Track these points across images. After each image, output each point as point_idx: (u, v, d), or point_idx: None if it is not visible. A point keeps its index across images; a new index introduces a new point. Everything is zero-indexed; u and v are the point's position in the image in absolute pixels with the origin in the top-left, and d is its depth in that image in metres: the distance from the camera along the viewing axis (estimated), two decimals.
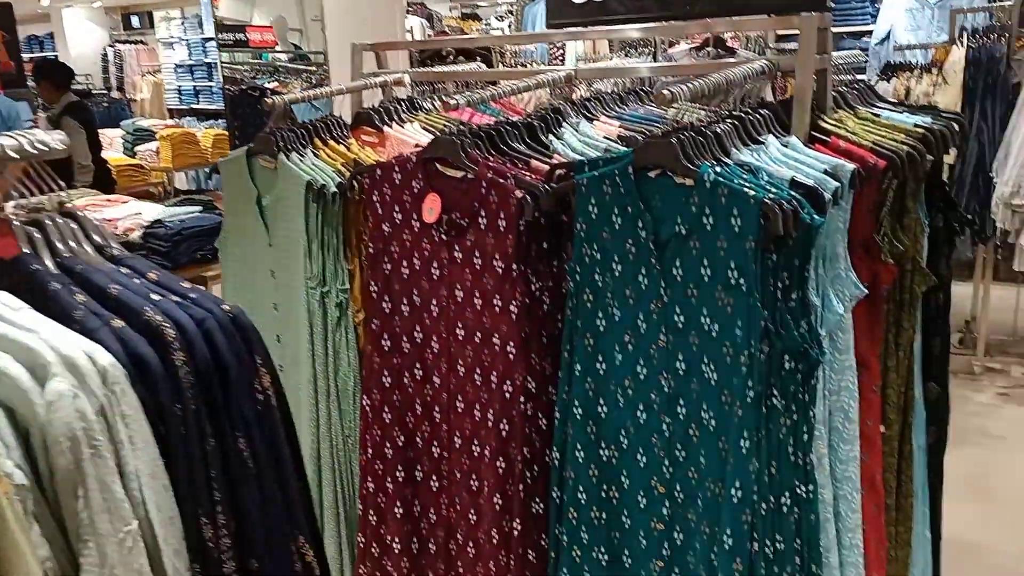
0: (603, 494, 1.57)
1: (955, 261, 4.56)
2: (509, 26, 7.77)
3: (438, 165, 1.66)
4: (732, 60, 4.22)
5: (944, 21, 4.78)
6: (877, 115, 1.83)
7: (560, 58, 6.01)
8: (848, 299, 1.51)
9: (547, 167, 1.61)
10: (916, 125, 1.78)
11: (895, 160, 1.61)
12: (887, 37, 5.41)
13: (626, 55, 4.89)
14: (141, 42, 11.43)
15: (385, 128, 2.12)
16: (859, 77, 4.95)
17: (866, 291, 1.53)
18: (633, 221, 1.46)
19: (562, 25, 2.21)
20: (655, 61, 4.62)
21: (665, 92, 1.45)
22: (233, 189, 1.99)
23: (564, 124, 1.91)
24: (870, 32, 5.70)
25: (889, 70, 3.98)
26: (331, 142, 2.00)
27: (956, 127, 1.85)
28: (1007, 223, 3.34)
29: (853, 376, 1.53)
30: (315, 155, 1.95)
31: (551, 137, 1.84)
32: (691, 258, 1.40)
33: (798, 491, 1.40)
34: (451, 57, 4.49)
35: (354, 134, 2.14)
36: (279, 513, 0.82)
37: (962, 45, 3.72)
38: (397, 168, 1.69)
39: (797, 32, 1.69)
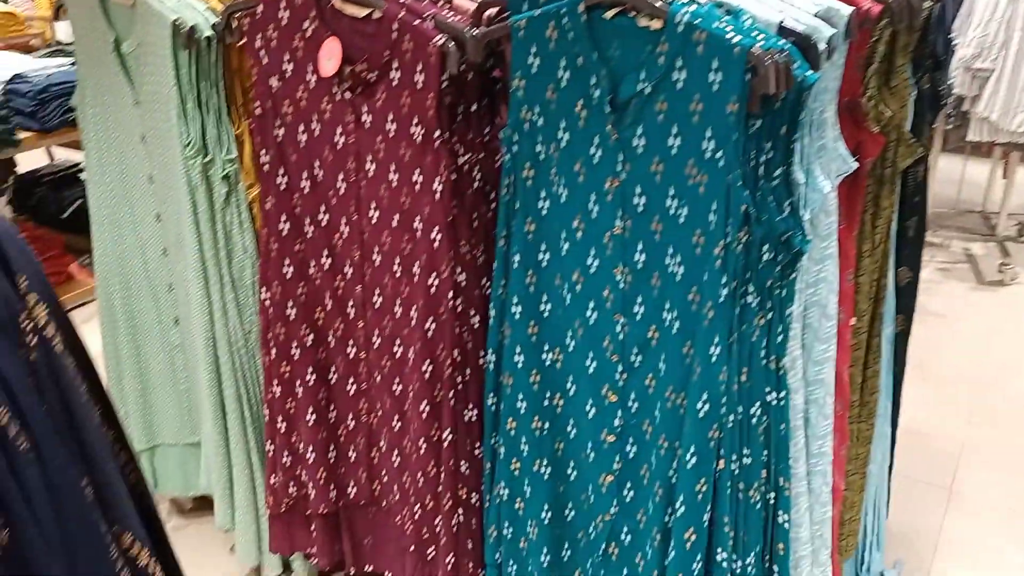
0: (545, 402, 1.35)
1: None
2: None
3: (336, 1, 1.31)
4: None
5: None
6: None
7: None
8: (834, 175, 1.28)
9: (475, 4, 1.29)
10: None
11: (893, 6, 1.35)
12: None
13: None
14: None
15: None
16: None
17: (856, 164, 1.30)
18: (584, 76, 1.17)
19: None
20: None
21: None
22: (84, 31, 1.60)
23: None
24: None
25: None
26: None
27: None
28: (965, 87, 3.15)
29: (835, 265, 1.32)
30: None
31: None
32: (656, 124, 1.13)
33: (768, 399, 1.21)
34: None
35: None
36: (84, 505, 0.56)
37: None
38: (284, 3, 1.33)
39: None
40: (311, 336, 1.55)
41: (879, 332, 1.62)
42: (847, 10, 1.20)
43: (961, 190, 4.10)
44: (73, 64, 2.83)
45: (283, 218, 1.44)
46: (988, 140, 3.24)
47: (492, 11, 1.27)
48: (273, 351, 1.57)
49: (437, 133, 1.26)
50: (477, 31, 1.24)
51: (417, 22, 1.24)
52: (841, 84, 1.31)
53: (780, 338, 1.20)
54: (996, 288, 3.48)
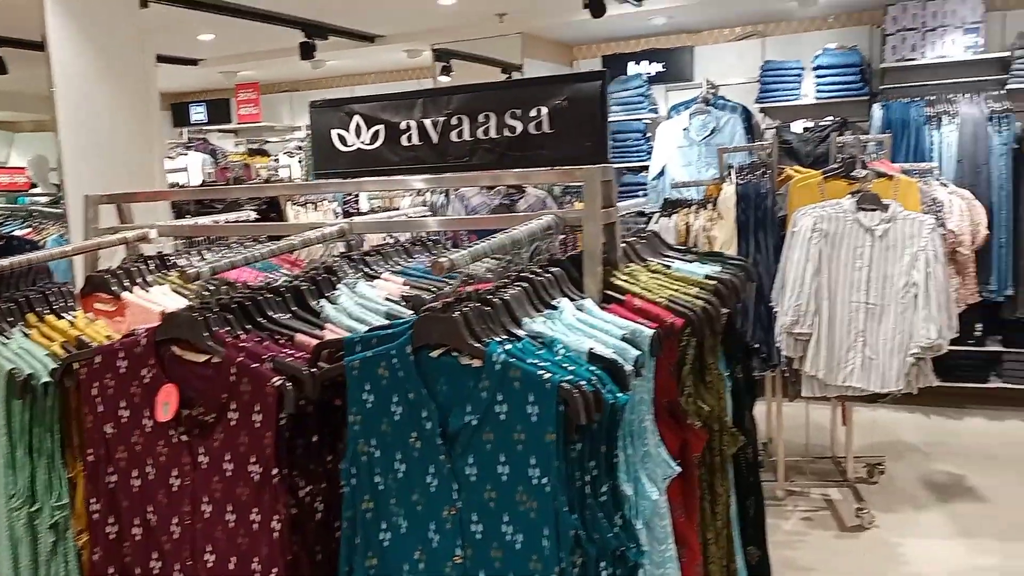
0: None
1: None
2: (300, 161, 7.56)
3: (176, 348, 1.35)
4: (520, 198, 4.26)
5: (712, 157, 5.15)
6: (668, 266, 1.75)
7: (354, 202, 5.85)
8: (662, 479, 1.35)
9: (314, 343, 1.36)
10: (708, 276, 1.71)
11: (692, 317, 1.52)
12: (662, 173, 5.77)
13: (423, 201, 4.81)
14: None
15: (124, 294, 1.78)
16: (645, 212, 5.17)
17: (679, 468, 1.38)
18: (416, 410, 1.23)
19: (328, 176, 2.03)
20: (447, 200, 4.57)
21: (443, 261, 1.26)
22: None
23: (340, 284, 1.68)
24: (647, 167, 6.07)
25: (669, 206, 4.16)
26: (49, 316, 1.63)
27: (743, 274, 1.82)
28: (791, 350, 3.48)
29: (675, 567, 1.35)
30: (25, 334, 1.57)
31: (323, 302, 1.60)
32: (486, 453, 1.18)
33: None
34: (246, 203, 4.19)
35: (85, 303, 1.78)
36: None
37: (732, 181, 3.96)
38: (123, 352, 1.36)
39: None
40: None
41: None
42: (648, 332, 1.35)
43: (808, 435, 4.37)
44: None
45: (111, 570, 1.36)
46: (820, 395, 3.52)
47: (328, 350, 1.34)
48: None
49: (275, 471, 1.26)
50: (314, 370, 1.30)
51: (255, 365, 1.29)
52: (656, 392, 1.43)
53: None
54: (857, 533, 3.61)
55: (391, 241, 2.13)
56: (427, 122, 2.11)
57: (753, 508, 1.84)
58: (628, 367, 1.25)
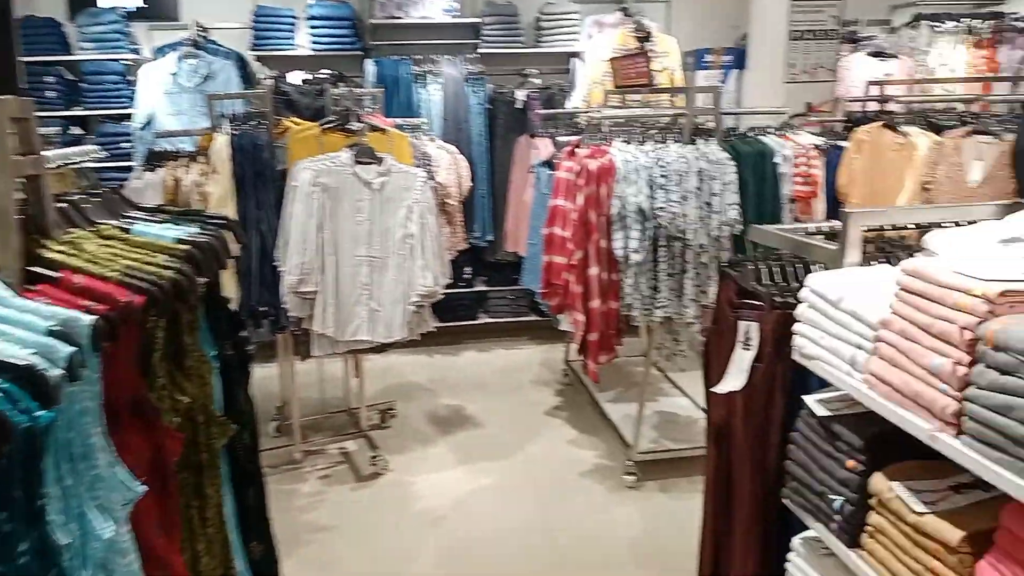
0: None
1: (258, 341, 4.50)
2: None
3: None
4: None
5: (205, 105, 4.71)
6: (127, 230, 1.43)
7: None
8: (121, 506, 1.06)
9: None
10: (180, 240, 1.43)
11: (155, 293, 1.23)
12: (150, 122, 5.14)
13: None
14: None
15: None
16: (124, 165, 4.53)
17: (142, 489, 1.10)
18: None
19: None
20: None
21: None
22: None
23: None
24: (131, 115, 5.35)
25: (155, 159, 3.67)
26: None
27: (226, 235, 1.58)
28: (299, 310, 3.34)
29: None
30: None
31: None
32: None
33: None
34: None
35: None
36: None
37: (225, 132, 3.63)
38: None
39: None
40: None
41: None
42: (87, 319, 1.03)
43: (324, 392, 4.35)
44: None
45: None
46: (331, 352, 3.47)
47: None
48: None
49: None
50: None
51: None
52: (112, 392, 1.13)
53: None
54: (373, 481, 3.69)
55: None
56: None
57: (254, 498, 1.65)
58: (55, 372, 0.93)
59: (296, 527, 3.25)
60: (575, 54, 5.92)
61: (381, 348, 3.55)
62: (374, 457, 3.79)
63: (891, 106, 4.57)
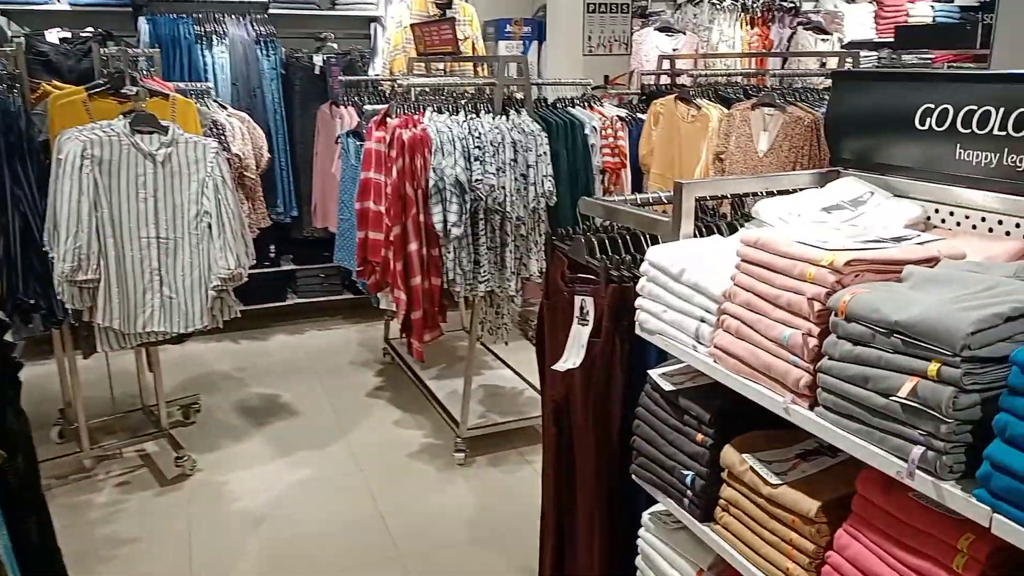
0: None
1: (29, 337, 3.93)
2: None
3: None
4: None
5: None
6: None
7: None
8: None
9: None
10: None
11: None
12: None
13: None
14: None
15: None
16: None
17: None
18: None
19: None
20: None
21: None
22: None
23: None
24: None
25: None
26: None
27: None
28: (76, 302, 2.92)
29: None
30: None
31: None
32: None
33: None
34: None
35: None
36: None
37: None
38: None
39: None
40: None
41: None
42: None
43: (114, 389, 3.90)
44: None
45: None
46: (120, 347, 3.08)
47: None
48: None
49: None
50: None
51: None
52: None
53: None
54: (181, 483, 3.36)
55: None
56: None
57: (36, 531, 1.38)
58: None
59: (92, 543, 2.88)
60: (375, 19, 5.66)
61: (179, 339, 3.21)
62: (179, 457, 3.44)
63: (682, 79, 4.76)
